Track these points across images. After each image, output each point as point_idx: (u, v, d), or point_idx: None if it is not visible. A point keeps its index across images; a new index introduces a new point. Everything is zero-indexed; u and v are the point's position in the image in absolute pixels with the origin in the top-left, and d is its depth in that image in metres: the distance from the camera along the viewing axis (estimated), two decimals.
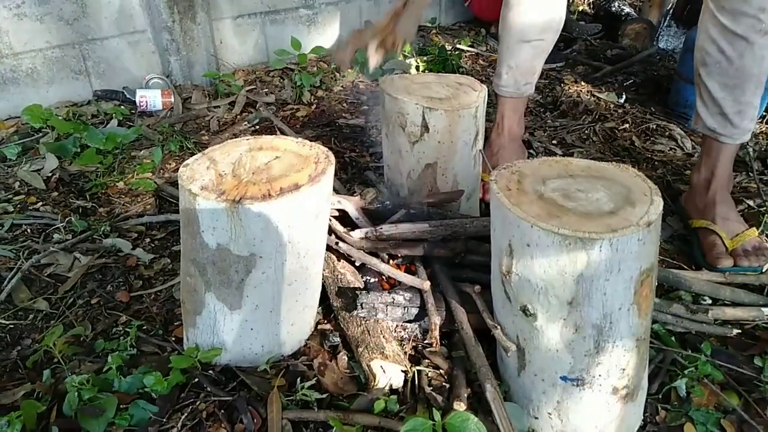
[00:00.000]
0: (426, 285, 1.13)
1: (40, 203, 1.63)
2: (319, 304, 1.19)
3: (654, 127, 2.11)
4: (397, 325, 1.15)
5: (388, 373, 1.02)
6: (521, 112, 1.73)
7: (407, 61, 2.60)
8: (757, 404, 1.04)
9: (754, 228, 1.40)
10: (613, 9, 3.11)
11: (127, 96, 2.17)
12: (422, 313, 1.14)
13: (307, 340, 1.16)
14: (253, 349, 1.08)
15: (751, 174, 1.80)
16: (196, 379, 1.04)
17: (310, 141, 1.09)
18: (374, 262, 1.18)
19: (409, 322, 1.15)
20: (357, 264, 1.24)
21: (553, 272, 0.82)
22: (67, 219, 1.53)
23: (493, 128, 1.73)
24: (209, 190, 0.92)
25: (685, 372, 1.07)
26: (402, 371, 1.04)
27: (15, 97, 2.06)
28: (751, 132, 1.42)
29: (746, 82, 1.34)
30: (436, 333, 1.08)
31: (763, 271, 1.31)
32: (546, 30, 1.58)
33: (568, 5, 3.28)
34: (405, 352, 1.11)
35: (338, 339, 1.14)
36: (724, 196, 1.47)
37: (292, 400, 1.01)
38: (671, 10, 2.89)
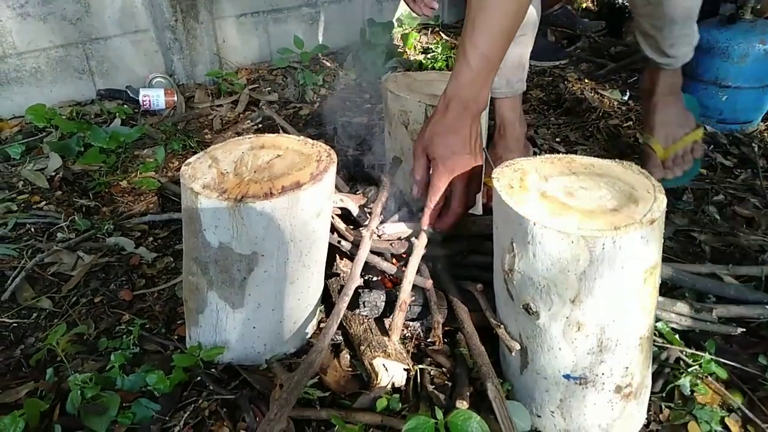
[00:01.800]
0: (429, 283, 1.13)
1: (44, 202, 1.63)
2: (322, 303, 1.19)
3: None
4: (402, 324, 1.14)
5: (391, 371, 1.01)
6: (520, 111, 1.72)
7: (407, 60, 2.59)
8: (762, 402, 1.04)
9: (700, 129, 1.41)
10: (617, 5, 3.09)
11: (131, 95, 2.18)
12: (425, 311, 1.14)
13: (310, 338, 1.16)
14: (256, 347, 1.08)
15: (756, 171, 1.79)
16: (199, 378, 1.04)
17: (313, 139, 1.09)
18: (377, 261, 1.18)
19: (412, 320, 1.15)
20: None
21: (556, 270, 0.81)
22: (70, 218, 1.54)
23: (495, 132, 1.72)
24: (211, 189, 0.92)
25: (690, 370, 1.06)
26: (404, 369, 1.03)
27: (19, 96, 2.07)
28: (690, 56, 1.53)
29: (672, 22, 1.43)
30: (439, 331, 1.08)
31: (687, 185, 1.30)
32: (525, 24, 1.56)
33: (572, 2, 3.27)
34: (407, 351, 1.10)
35: (340, 337, 1.14)
36: (667, 101, 1.51)
37: None
38: None
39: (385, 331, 1.08)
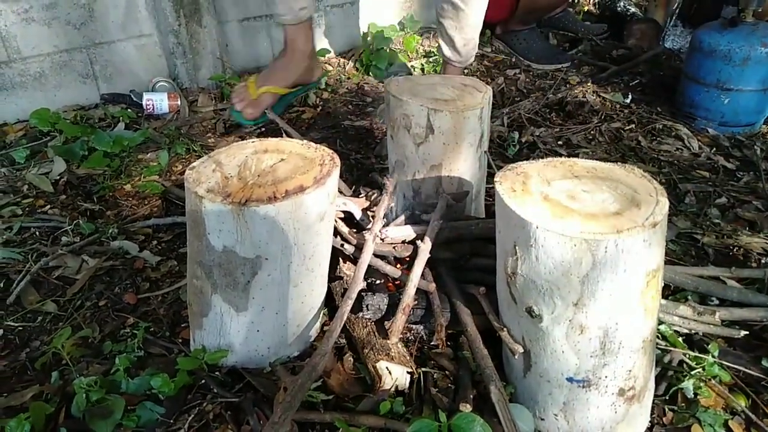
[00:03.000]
0: (432, 286, 1.13)
1: (49, 206, 1.64)
2: (325, 306, 1.19)
3: (660, 127, 2.10)
4: (402, 327, 1.15)
5: (394, 374, 1.02)
6: (306, 34, 1.84)
7: (410, 63, 2.60)
8: (765, 405, 1.04)
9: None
10: (619, 9, 3.10)
11: (134, 99, 2.18)
12: (428, 314, 1.14)
13: (314, 341, 1.16)
14: (260, 350, 1.08)
15: (759, 173, 1.79)
16: (203, 381, 1.04)
17: (316, 143, 1.09)
18: (380, 264, 1.18)
19: (415, 323, 1.15)
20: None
21: (558, 273, 0.82)
22: (75, 222, 1.54)
23: (281, 52, 1.90)
24: (215, 193, 0.93)
25: (693, 373, 1.06)
26: (408, 372, 1.04)
27: (23, 101, 2.08)
28: (473, 59, 1.98)
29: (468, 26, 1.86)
30: (442, 334, 1.08)
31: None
32: None
33: (574, 5, 3.28)
34: (411, 354, 1.11)
35: (344, 340, 1.15)
36: None
37: None
38: (677, 10, 2.88)
39: (387, 335, 1.09)
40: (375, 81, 2.50)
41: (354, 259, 1.24)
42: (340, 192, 1.46)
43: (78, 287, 1.34)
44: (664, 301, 1.17)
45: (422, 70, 2.53)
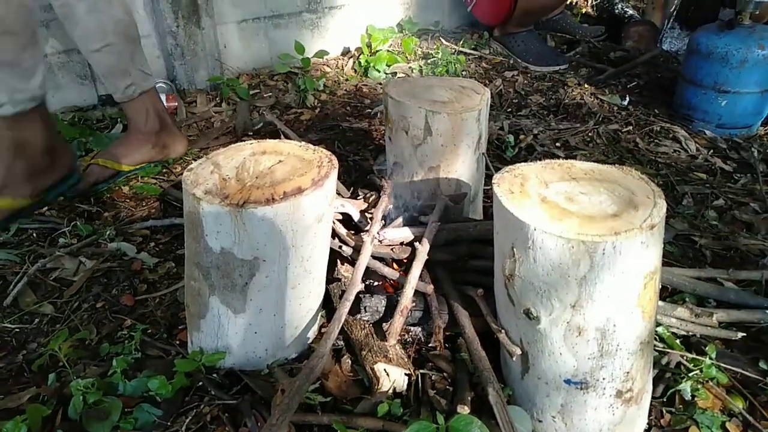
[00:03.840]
0: (429, 288, 1.13)
1: (46, 208, 1.64)
2: (323, 308, 1.19)
3: (658, 129, 2.10)
4: (400, 329, 1.15)
5: (392, 376, 1.02)
6: (148, 109, 1.73)
7: (408, 65, 2.60)
8: (763, 407, 1.04)
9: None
10: (617, 11, 3.10)
11: None
12: (426, 316, 1.14)
13: (311, 343, 1.16)
14: (257, 352, 1.08)
15: (756, 175, 1.80)
16: (201, 383, 1.04)
17: (314, 145, 1.10)
18: (378, 266, 1.18)
19: (413, 325, 1.15)
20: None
21: (556, 275, 0.82)
22: (72, 223, 1.54)
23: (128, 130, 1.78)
24: (213, 195, 0.92)
25: (690, 375, 1.06)
26: (405, 374, 1.04)
27: None
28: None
29: None
30: (440, 336, 1.08)
31: None
32: (107, 34, 1.57)
33: (572, 7, 3.29)
34: (408, 356, 1.11)
35: (342, 342, 1.15)
36: None
37: None
38: (675, 12, 2.89)
39: (385, 336, 1.08)
40: (373, 83, 2.50)
41: (352, 261, 1.24)
42: (339, 194, 1.46)
43: (75, 289, 1.33)
44: (661, 303, 1.17)
45: (420, 72, 2.53)
